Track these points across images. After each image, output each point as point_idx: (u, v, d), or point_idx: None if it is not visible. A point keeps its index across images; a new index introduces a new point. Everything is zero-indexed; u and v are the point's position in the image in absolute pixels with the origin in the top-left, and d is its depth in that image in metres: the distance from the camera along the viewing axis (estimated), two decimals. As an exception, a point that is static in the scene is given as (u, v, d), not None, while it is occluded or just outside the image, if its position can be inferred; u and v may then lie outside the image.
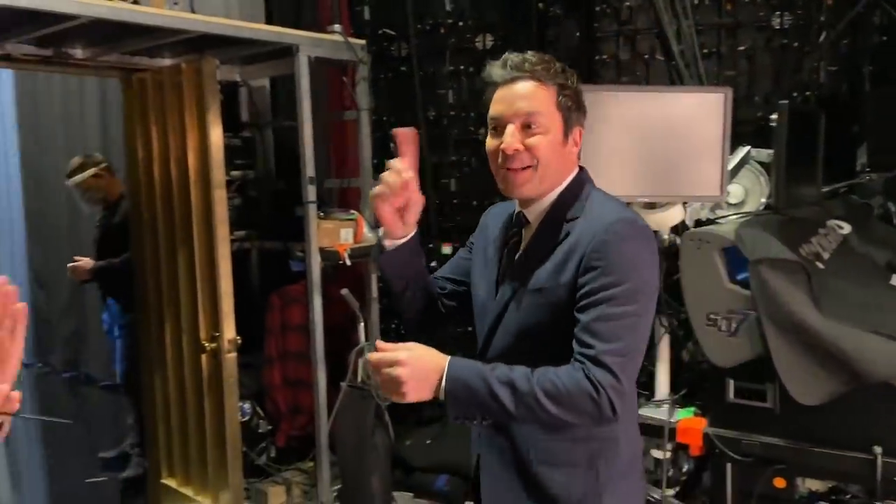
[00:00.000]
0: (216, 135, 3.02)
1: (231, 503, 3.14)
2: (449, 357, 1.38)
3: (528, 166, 1.47)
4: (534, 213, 1.54)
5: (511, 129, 1.47)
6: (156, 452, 3.57)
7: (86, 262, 3.97)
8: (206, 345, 3.12)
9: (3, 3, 2.34)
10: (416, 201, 1.56)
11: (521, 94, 1.48)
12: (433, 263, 3.82)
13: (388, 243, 1.59)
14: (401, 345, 1.39)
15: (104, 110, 5.50)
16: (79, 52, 3.24)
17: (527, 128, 1.47)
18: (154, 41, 3.04)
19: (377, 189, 1.54)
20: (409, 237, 1.60)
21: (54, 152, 6.03)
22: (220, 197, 3.04)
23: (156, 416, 3.54)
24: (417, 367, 1.36)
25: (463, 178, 3.97)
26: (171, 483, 3.49)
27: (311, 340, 3.42)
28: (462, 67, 3.91)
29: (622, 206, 1.50)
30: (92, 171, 4.00)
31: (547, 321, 1.45)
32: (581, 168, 1.56)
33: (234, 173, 3.71)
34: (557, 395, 1.33)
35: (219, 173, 3.05)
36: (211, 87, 3.00)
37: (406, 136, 1.61)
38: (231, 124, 3.83)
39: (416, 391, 1.36)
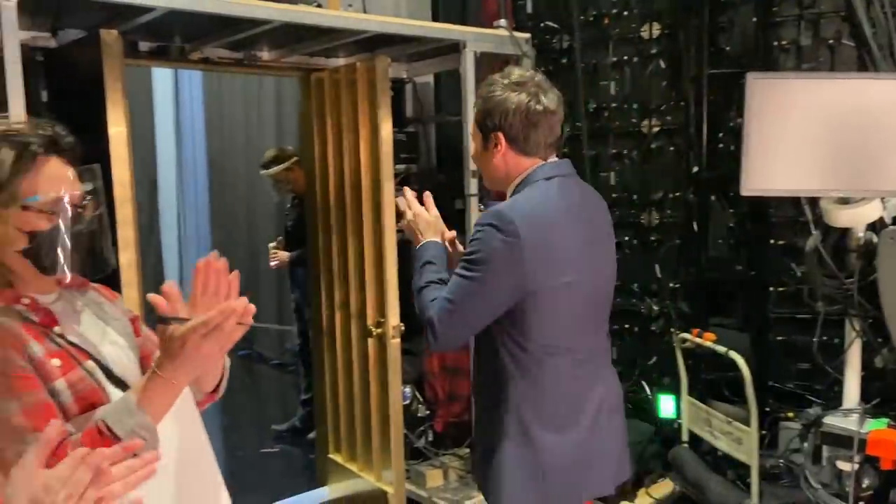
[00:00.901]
0: (386, 130, 3.16)
1: (393, 482, 3.30)
2: (434, 239, 2.02)
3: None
4: None
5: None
6: (324, 428, 3.81)
7: (283, 255, 4.38)
8: (373, 330, 3.28)
9: (208, 10, 2.58)
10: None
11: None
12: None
13: None
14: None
15: (279, 109, 5.91)
16: (265, 55, 3.50)
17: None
18: (331, 42, 3.22)
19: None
20: None
21: (235, 148, 6.56)
22: (389, 189, 3.18)
23: (325, 395, 3.77)
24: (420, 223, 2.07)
25: (623, 172, 3.89)
26: (338, 458, 3.71)
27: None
28: (626, 58, 3.83)
29: (520, 202, 1.83)
30: (285, 164, 4.35)
31: None
32: (544, 166, 1.88)
33: (399, 167, 3.86)
34: (420, 302, 1.85)
35: (388, 167, 3.19)
36: (383, 84, 3.14)
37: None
38: (397, 120, 3.97)
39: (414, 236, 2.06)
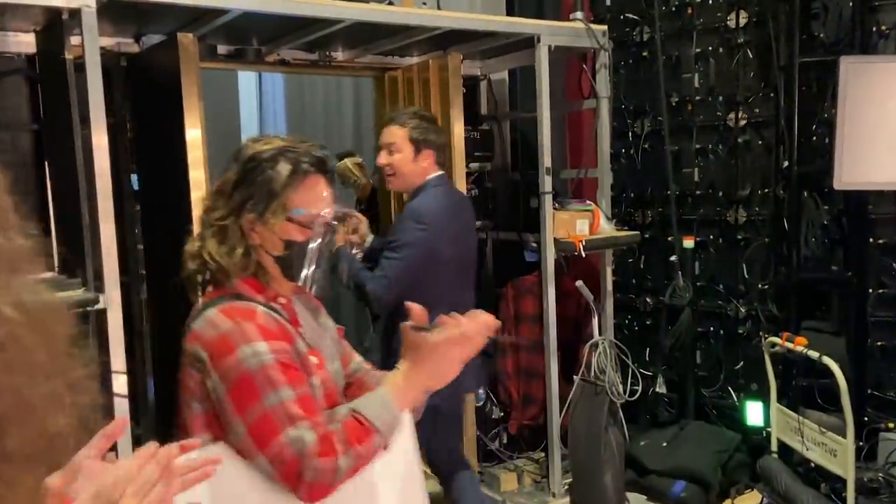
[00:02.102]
0: (459, 128, 3.12)
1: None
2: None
3: (392, 174, 2.68)
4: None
5: (382, 152, 2.70)
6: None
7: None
8: (446, 330, 3.24)
9: (281, 11, 2.61)
10: None
11: (386, 132, 2.68)
12: (673, 258, 3.64)
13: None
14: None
15: (358, 110, 5.96)
16: (339, 55, 3.52)
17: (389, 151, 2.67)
18: (404, 40, 3.21)
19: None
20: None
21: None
22: (462, 188, 3.14)
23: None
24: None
25: (707, 167, 3.72)
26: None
27: (544, 331, 3.43)
28: (710, 48, 3.66)
29: (428, 201, 2.63)
30: (355, 158, 4.36)
31: None
32: (441, 175, 2.72)
33: (472, 165, 3.82)
34: (359, 282, 2.51)
35: (461, 165, 3.15)
36: (455, 81, 3.11)
37: None
38: (471, 118, 3.94)
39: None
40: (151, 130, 2.82)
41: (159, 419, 2.93)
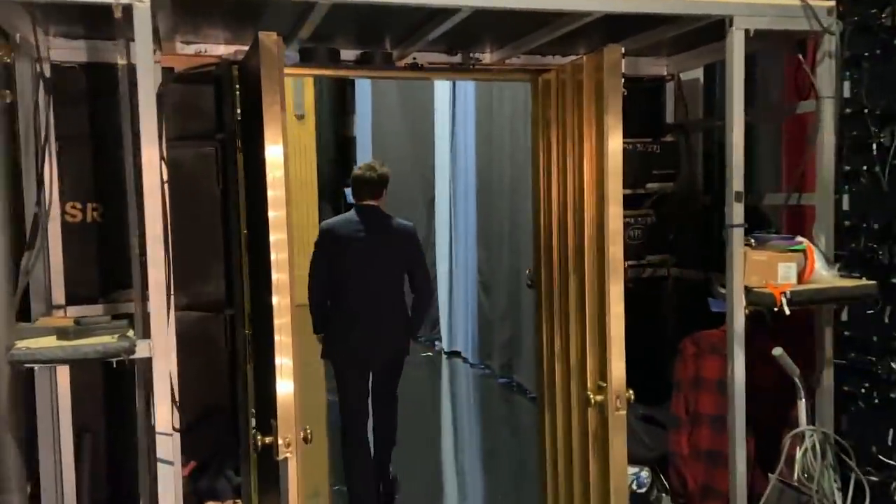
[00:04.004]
0: (615, 141, 2.44)
1: None
2: None
3: None
4: None
5: None
6: (544, 488, 3.17)
7: None
8: (592, 396, 2.57)
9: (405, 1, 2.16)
10: None
11: None
12: None
13: None
14: None
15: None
16: (486, 56, 3.00)
17: None
18: (554, 32, 2.60)
19: None
20: None
21: (500, 160, 6.19)
22: (615, 214, 2.45)
23: (545, 456, 3.14)
24: None
25: None
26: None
27: (729, 408, 2.61)
28: None
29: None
30: None
31: None
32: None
33: (650, 186, 3.08)
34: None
35: (615, 186, 2.46)
36: (613, 81, 2.43)
37: None
38: (651, 127, 3.20)
39: None
40: (247, 146, 2.51)
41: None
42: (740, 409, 2.58)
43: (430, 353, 7.32)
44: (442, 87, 7.08)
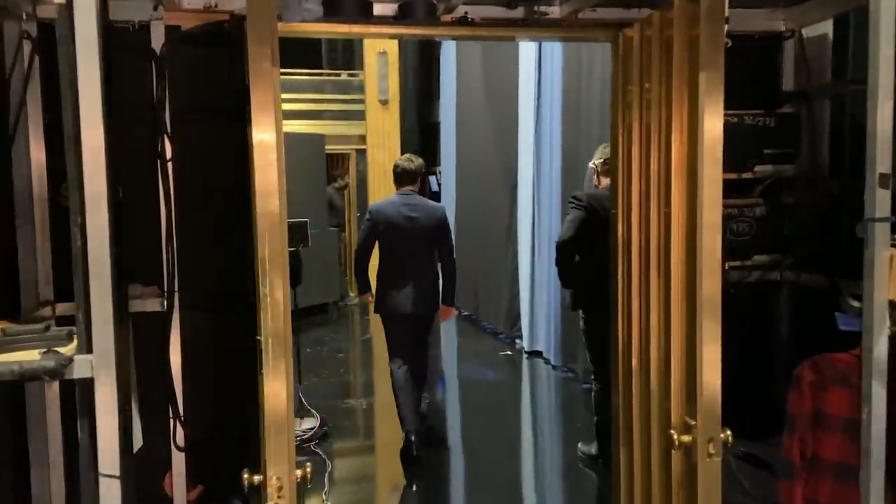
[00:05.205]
0: (713, 112, 1.86)
1: None
2: None
3: None
4: None
5: None
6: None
7: None
8: (676, 436, 2.01)
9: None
10: None
11: None
12: None
13: None
14: None
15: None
16: (555, 10, 2.47)
17: None
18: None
19: None
20: None
21: (589, 144, 5.60)
22: (712, 200, 1.88)
23: (620, 492, 2.62)
24: None
25: None
26: None
27: (861, 452, 2.01)
28: None
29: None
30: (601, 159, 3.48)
31: None
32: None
33: (761, 168, 2.47)
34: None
35: (713, 169, 1.89)
36: (711, 31, 1.86)
37: None
38: (764, 96, 2.59)
39: None
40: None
41: None
42: (878, 460, 1.99)
43: (509, 352, 6.82)
44: (527, 68, 6.53)
